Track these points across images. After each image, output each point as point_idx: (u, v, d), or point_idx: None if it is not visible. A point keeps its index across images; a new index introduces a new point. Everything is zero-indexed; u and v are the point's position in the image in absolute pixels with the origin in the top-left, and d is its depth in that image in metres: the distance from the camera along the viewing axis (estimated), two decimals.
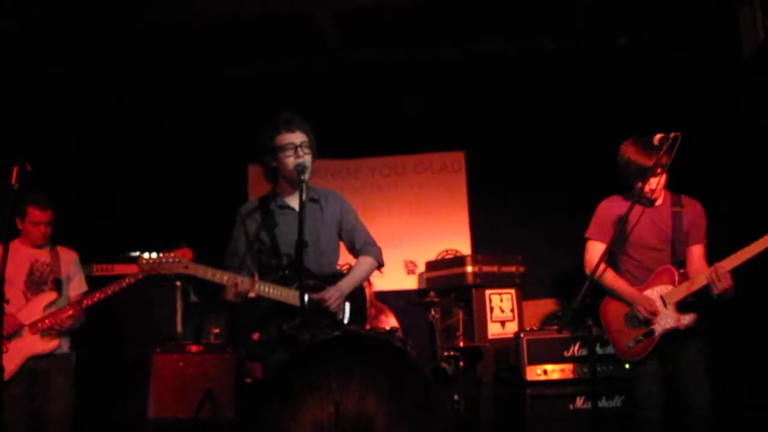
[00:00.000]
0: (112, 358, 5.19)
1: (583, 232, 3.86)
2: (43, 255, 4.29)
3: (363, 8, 5.45)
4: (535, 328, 5.08)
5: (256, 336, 4.60)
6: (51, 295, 4.21)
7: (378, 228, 4.55)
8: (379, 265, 3.70)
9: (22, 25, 5.17)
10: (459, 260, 5.77)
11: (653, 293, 3.61)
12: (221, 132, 6.23)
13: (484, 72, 6.21)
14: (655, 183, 3.57)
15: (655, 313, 3.56)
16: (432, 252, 6.21)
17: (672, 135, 3.39)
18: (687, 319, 3.54)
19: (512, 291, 5.69)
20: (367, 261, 3.62)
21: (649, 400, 3.59)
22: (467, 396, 4.94)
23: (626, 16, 5.70)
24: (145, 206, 6.18)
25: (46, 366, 4.13)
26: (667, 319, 3.56)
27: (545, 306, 5.79)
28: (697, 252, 3.67)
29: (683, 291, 3.54)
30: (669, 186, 3.72)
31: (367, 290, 3.97)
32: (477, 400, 5.12)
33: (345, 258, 3.74)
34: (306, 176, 3.31)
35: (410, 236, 6.34)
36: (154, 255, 3.33)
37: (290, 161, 3.34)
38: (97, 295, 4.21)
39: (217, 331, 5.49)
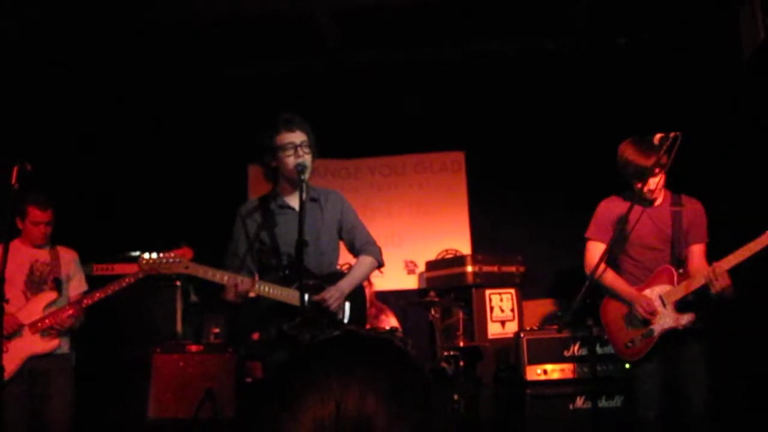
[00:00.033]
0: (112, 358, 5.19)
1: (583, 232, 3.85)
2: (43, 255, 4.28)
3: (363, 8, 5.45)
4: (535, 327, 5.08)
5: (256, 336, 4.61)
6: (51, 295, 4.21)
7: (378, 228, 4.54)
8: (379, 265, 3.70)
9: (22, 25, 5.17)
10: (459, 260, 5.77)
11: (652, 293, 3.61)
12: (221, 132, 6.23)
13: (484, 72, 6.22)
14: (654, 183, 3.57)
15: (653, 313, 3.56)
16: (432, 252, 6.21)
17: (672, 135, 3.39)
18: (685, 318, 3.54)
19: (512, 291, 5.69)
20: (367, 261, 3.62)
21: (649, 400, 3.58)
22: (467, 396, 4.94)
23: (626, 16, 5.70)
24: (145, 206, 6.19)
25: (46, 366, 4.12)
26: (665, 319, 3.56)
27: (545, 306, 5.79)
28: (697, 251, 3.67)
29: (682, 291, 3.54)
30: (669, 186, 3.72)
31: (367, 290, 3.97)
32: (477, 399, 5.11)
33: (345, 258, 3.74)
34: (306, 176, 3.31)
35: (410, 236, 6.34)
36: (154, 255, 3.33)
37: (290, 161, 3.34)
38: (97, 294, 4.20)
39: (217, 330, 5.49)
